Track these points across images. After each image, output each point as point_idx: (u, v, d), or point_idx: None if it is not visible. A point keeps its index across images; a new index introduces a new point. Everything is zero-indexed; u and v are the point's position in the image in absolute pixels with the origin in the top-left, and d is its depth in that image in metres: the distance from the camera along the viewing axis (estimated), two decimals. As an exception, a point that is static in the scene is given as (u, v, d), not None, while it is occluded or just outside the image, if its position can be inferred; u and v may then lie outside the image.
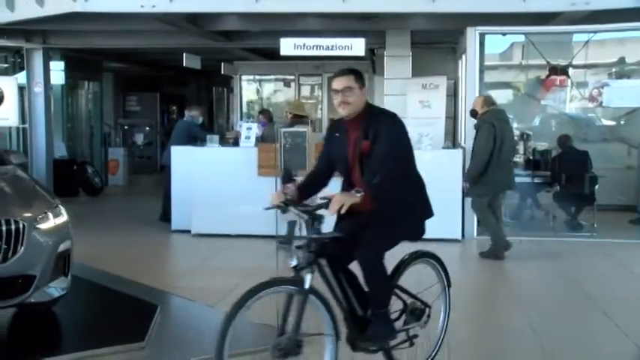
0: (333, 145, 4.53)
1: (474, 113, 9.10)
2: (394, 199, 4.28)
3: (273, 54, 14.82)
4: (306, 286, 3.95)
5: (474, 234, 10.02)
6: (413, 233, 4.55)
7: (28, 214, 5.58)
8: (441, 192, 8.88)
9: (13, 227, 5.39)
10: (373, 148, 4.26)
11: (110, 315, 6.32)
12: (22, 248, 5.43)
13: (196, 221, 10.25)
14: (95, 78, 18.46)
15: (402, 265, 4.59)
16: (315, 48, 11.73)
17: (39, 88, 14.10)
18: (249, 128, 10.71)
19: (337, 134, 4.50)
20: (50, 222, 5.73)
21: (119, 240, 9.97)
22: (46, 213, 5.76)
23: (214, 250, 9.36)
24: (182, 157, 10.64)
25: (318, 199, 4.33)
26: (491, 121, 8.68)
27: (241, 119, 16.24)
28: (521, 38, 13.46)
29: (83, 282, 6.94)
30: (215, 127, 21.34)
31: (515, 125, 11.96)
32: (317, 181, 4.58)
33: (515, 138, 10.56)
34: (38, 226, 5.60)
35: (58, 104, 16.16)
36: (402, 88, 11.91)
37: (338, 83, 4.37)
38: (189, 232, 10.24)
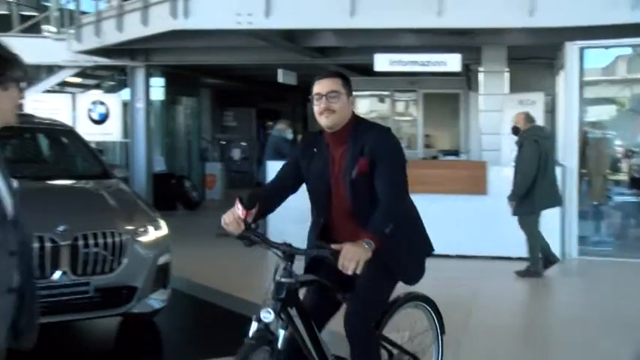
0: (307, 161, 3.72)
1: (515, 130, 8.90)
2: (394, 238, 3.44)
3: (367, 70, 14.84)
4: (279, 345, 3.27)
5: (574, 254, 9.74)
6: (414, 275, 3.79)
7: (131, 227, 5.75)
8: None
9: (117, 239, 5.57)
10: (374, 170, 3.50)
11: (207, 328, 6.44)
12: (125, 260, 5.60)
13: (290, 236, 10.28)
14: (193, 94, 18.89)
15: (390, 310, 3.87)
16: (410, 64, 11.70)
17: (140, 104, 14.54)
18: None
19: (315, 149, 3.70)
20: (151, 235, 5.88)
21: (216, 253, 10.11)
22: (146, 226, 5.92)
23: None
24: (275, 172, 10.70)
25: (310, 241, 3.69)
26: (534, 138, 8.55)
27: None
28: (628, 51, 13.01)
29: (182, 295, 7.10)
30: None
31: (618, 142, 11.60)
32: (272, 202, 3.76)
33: (619, 155, 10.26)
34: (139, 238, 5.77)
35: (157, 119, 16.62)
36: (498, 104, 11.71)
37: (322, 86, 3.60)
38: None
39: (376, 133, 3.60)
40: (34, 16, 16.85)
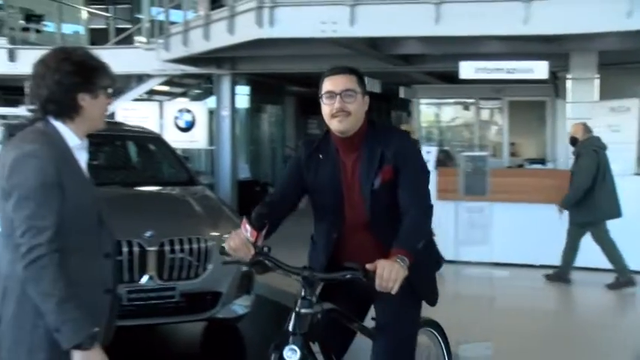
0: (313, 169, 3.26)
1: (573, 141, 8.76)
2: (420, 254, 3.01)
3: (452, 77, 14.69)
4: None
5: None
6: (435, 295, 3.42)
7: (216, 233, 5.83)
8: (635, 222, 8.57)
9: (202, 245, 5.66)
10: (398, 179, 3.11)
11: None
12: (211, 266, 5.68)
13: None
14: (278, 101, 19.07)
15: None
16: (495, 71, 11.50)
17: (226, 112, 14.74)
18: (428, 152, 10.68)
19: (320, 155, 3.26)
20: (236, 242, 5.94)
21: (299, 260, 10.19)
22: (231, 232, 5.99)
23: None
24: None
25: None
26: (594, 148, 8.44)
27: (420, 143, 16.20)
28: None
29: (265, 300, 7.16)
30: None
31: None
32: (275, 221, 3.26)
33: None
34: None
35: (242, 127, 16.84)
36: (587, 111, 11.38)
37: (334, 83, 3.15)
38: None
39: (397, 137, 3.24)
40: (127, 29, 17.35)
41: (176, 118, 13.88)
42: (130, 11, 20.66)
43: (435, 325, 3.77)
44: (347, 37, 10.44)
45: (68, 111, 2.67)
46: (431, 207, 3.13)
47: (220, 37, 11.41)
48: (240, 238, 3.00)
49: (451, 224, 9.13)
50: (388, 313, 3.17)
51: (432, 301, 3.41)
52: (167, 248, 5.53)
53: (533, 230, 9.11)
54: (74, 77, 2.65)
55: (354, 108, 3.13)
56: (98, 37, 18.11)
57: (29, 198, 2.53)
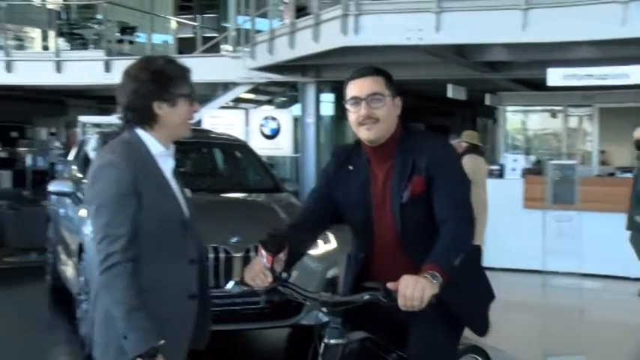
0: (342, 182, 2.96)
1: (639, 144, 8.54)
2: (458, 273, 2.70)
3: (539, 84, 14.41)
4: None
5: None
6: (484, 324, 3.06)
7: (300, 240, 5.85)
8: None
9: (287, 252, 5.70)
10: (432, 189, 2.79)
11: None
12: (295, 272, 5.70)
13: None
14: (362, 109, 19.06)
15: None
16: (585, 78, 11.21)
17: (310, 119, 14.81)
18: (515, 160, 10.51)
19: (350, 167, 2.96)
20: (320, 248, 5.97)
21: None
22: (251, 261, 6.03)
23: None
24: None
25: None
26: None
27: (506, 151, 15.96)
28: None
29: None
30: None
31: None
32: (303, 242, 3.00)
33: None
34: (309, 252, 5.85)
35: (327, 134, 16.91)
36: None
37: (359, 87, 2.83)
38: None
39: (432, 143, 2.90)
40: (214, 37, 17.68)
41: (261, 125, 14.03)
42: (217, 20, 21.06)
43: (480, 351, 3.44)
44: (432, 44, 10.37)
45: (146, 119, 2.73)
46: (471, 218, 2.78)
47: (305, 45, 11.50)
48: (258, 266, 2.77)
49: (538, 233, 8.95)
50: (418, 340, 2.83)
51: (482, 331, 3.05)
52: (253, 254, 5.59)
53: (625, 241, 8.83)
54: (150, 86, 2.69)
55: (383, 113, 2.84)
56: (186, 45, 18.54)
57: (106, 206, 2.60)
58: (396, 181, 2.84)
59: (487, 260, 9.94)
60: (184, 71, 2.78)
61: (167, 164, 2.79)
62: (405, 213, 2.81)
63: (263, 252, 2.77)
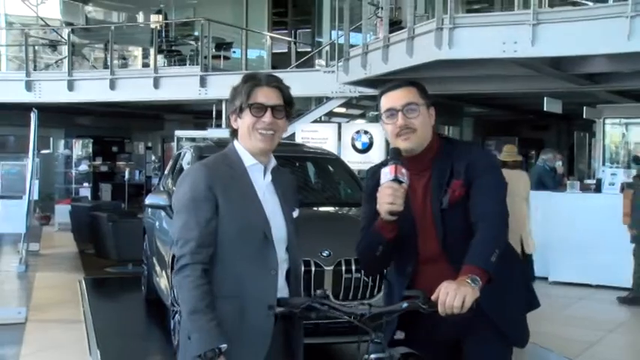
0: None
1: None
2: (506, 282, 2.78)
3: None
4: None
5: None
6: (522, 336, 3.04)
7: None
8: None
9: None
10: (471, 193, 2.77)
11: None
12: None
13: (554, 268, 9.99)
14: (455, 123, 18.91)
15: None
16: (692, 88, 10.79)
17: (402, 133, 14.74)
18: (613, 174, 10.20)
19: None
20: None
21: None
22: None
23: (573, 300, 9.03)
24: (541, 203, 10.46)
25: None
26: None
27: (604, 164, 15.50)
28: None
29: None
30: (575, 172, 20.64)
31: None
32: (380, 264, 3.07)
33: None
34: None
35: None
36: None
37: (394, 99, 2.87)
38: (546, 279, 10.00)
39: (470, 149, 2.92)
40: (308, 52, 17.86)
41: (353, 139, 14.06)
42: (311, 35, 21.27)
43: None
44: (528, 57, 10.17)
45: (232, 133, 2.87)
46: (506, 215, 2.75)
47: (399, 59, 11.47)
48: (385, 189, 2.73)
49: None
50: (472, 356, 2.82)
51: (522, 343, 3.02)
52: (343, 268, 5.60)
53: None
54: (229, 101, 2.85)
55: (420, 123, 2.85)
56: (280, 60, 18.79)
57: (181, 211, 2.75)
58: (435, 187, 2.84)
59: (585, 277, 9.73)
60: (251, 83, 2.80)
61: (258, 177, 2.84)
62: (445, 219, 2.82)
63: (403, 170, 2.71)
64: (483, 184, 2.76)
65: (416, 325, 2.85)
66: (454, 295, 2.41)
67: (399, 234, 2.86)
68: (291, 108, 2.86)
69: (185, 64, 17.12)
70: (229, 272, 2.71)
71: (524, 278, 3.08)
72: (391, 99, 2.89)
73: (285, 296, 2.80)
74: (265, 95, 2.77)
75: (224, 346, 2.59)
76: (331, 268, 5.58)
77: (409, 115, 2.84)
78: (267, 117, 2.77)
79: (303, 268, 5.36)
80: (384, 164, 2.92)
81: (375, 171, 3.06)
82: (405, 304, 2.58)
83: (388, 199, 2.69)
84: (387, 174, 2.73)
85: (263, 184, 2.84)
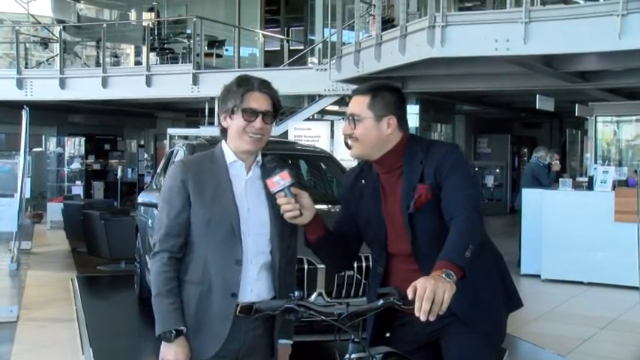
0: (356, 199, 2.98)
1: None
2: (481, 282, 2.73)
3: (633, 93, 14.01)
4: None
5: None
6: (497, 334, 2.93)
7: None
8: None
9: (369, 263, 5.67)
10: (442, 194, 2.74)
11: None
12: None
13: (547, 266, 10.00)
14: (448, 120, 18.94)
15: None
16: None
17: (396, 131, 14.74)
18: (605, 172, 10.22)
19: (362, 181, 2.97)
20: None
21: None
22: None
23: (565, 297, 9.04)
24: (533, 200, 10.49)
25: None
26: None
27: (596, 162, 15.55)
28: None
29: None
30: (568, 170, 20.71)
31: None
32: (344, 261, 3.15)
33: None
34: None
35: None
36: None
37: (350, 104, 2.89)
38: (538, 276, 10.02)
39: (439, 149, 2.82)
40: (300, 50, 17.85)
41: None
42: (304, 33, 21.27)
43: None
44: (520, 54, 10.19)
45: (222, 131, 2.95)
46: (479, 215, 2.68)
47: (391, 57, 11.47)
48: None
49: (632, 247, 8.68)
50: (453, 349, 2.78)
51: (495, 342, 2.93)
52: (336, 266, 5.60)
53: None
54: (221, 100, 2.92)
55: (361, 134, 2.81)
56: (272, 58, 18.79)
57: (160, 204, 2.96)
58: (405, 192, 2.81)
59: (577, 275, 9.75)
60: (243, 85, 2.88)
61: (239, 174, 2.93)
62: (415, 223, 2.78)
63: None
64: (452, 183, 2.72)
65: (396, 323, 2.88)
66: (433, 289, 2.31)
67: (370, 234, 2.93)
68: (277, 112, 2.96)
69: (177, 62, 17.10)
70: (197, 259, 2.85)
71: (503, 277, 2.99)
72: (350, 103, 2.91)
73: (263, 289, 2.89)
74: (257, 101, 2.86)
75: (182, 328, 2.78)
76: (324, 266, 5.57)
77: (351, 124, 2.84)
78: (258, 122, 2.85)
79: (297, 266, 5.42)
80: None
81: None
82: (380, 302, 2.54)
83: (284, 207, 2.80)
84: (274, 183, 2.82)
85: (244, 180, 2.92)
